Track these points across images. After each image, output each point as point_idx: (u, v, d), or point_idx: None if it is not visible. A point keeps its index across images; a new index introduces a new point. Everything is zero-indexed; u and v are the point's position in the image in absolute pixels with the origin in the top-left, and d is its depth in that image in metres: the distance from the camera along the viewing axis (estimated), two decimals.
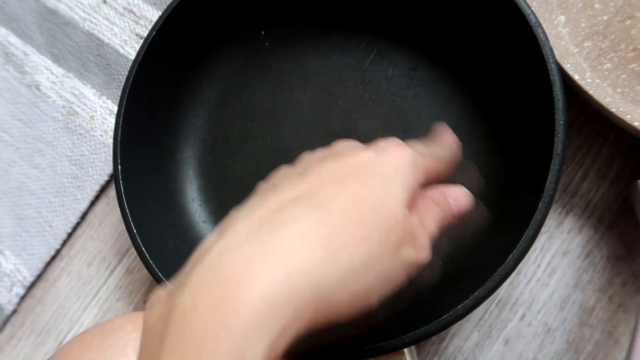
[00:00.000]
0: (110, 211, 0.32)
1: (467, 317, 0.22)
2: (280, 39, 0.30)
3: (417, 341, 0.21)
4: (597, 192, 0.25)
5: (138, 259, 0.30)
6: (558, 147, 0.21)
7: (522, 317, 0.25)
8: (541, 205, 0.20)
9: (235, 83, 0.31)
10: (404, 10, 0.28)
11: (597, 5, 0.27)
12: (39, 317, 0.31)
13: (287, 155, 0.28)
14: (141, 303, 0.30)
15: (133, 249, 0.30)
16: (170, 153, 0.30)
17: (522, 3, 0.23)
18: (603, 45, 0.26)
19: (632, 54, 0.26)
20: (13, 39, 0.36)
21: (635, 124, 0.23)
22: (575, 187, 0.25)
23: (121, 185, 0.26)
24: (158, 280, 0.24)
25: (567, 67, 0.24)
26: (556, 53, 0.23)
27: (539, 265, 0.25)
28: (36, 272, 0.31)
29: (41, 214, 0.32)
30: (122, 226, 0.30)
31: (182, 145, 0.30)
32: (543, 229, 0.25)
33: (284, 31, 0.30)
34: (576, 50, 0.26)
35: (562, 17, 0.27)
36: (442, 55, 0.27)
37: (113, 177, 0.27)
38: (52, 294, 0.31)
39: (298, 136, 0.29)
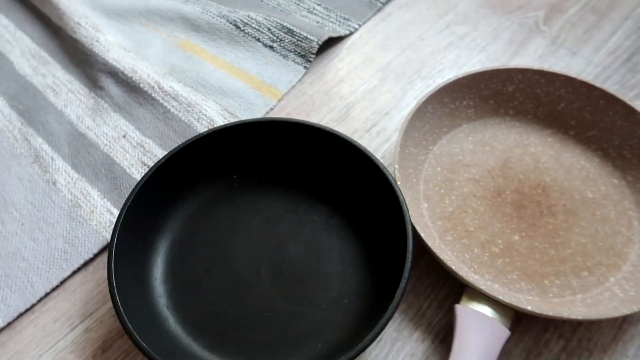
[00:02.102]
0: (85, 282, 0.40)
1: None
2: (245, 182, 0.44)
3: None
4: (437, 317, 0.37)
5: (97, 321, 0.38)
6: (404, 281, 0.34)
7: None
8: (387, 313, 0.32)
9: (208, 205, 0.43)
10: (325, 184, 0.43)
11: (447, 201, 0.43)
12: None
13: (233, 259, 0.40)
14: (90, 358, 0.37)
15: (95, 312, 0.39)
16: (148, 242, 0.40)
17: (401, 197, 0.37)
18: (448, 225, 0.41)
19: (464, 233, 0.41)
20: (46, 147, 0.49)
21: (461, 274, 0.36)
22: (423, 312, 0.38)
23: (113, 257, 0.36)
24: (124, 325, 0.33)
25: (423, 235, 0.38)
26: (418, 227, 0.38)
27: None
28: (8, 320, 0.38)
29: (27, 275, 0.40)
30: (91, 294, 0.40)
31: (158, 239, 0.41)
32: (399, 336, 0.36)
33: (249, 178, 0.44)
34: (432, 225, 0.41)
35: (425, 204, 0.43)
36: (349, 212, 0.42)
37: (107, 252, 0.36)
38: (15, 340, 0.37)
39: (244, 247, 0.41)
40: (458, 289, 0.38)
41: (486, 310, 0.34)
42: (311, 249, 0.41)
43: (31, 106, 0.52)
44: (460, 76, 0.46)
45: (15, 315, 0.38)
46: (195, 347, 0.36)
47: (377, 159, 0.40)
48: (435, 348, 0.36)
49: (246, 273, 0.40)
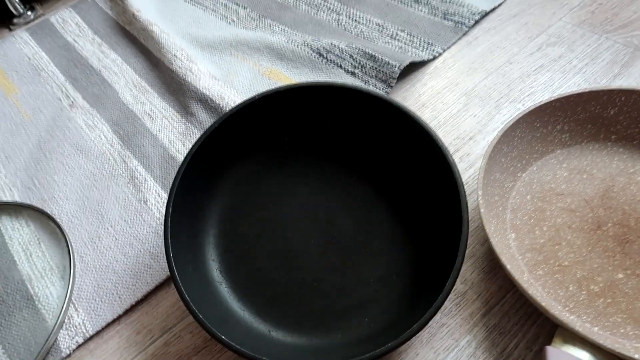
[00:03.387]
0: (167, 297, 0.42)
1: None
2: (296, 148, 0.44)
3: None
4: (524, 359, 0.34)
5: (176, 336, 0.39)
6: (451, 281, 0.32)
7: None
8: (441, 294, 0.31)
9: (260, 170, 0.43)
10: (377, 156, 0.42)
11: (537, 232, 0.39)
12: None
13: (284, 227, 0.40)
14: None
15: (174, 328, 0.40)
16: (202, 205, 0.41)
17: (457, 176, 0.35)
18: (539, 258, 0.38)
19: (557, 268, 0.37)
20: (140, 168, 0.52)
21: (553, 312, 0.33)
22: (509, 352, 0.34)
23: (169, 219, 0.36)
24: (180, 293, 0.33)
25: (509, 267, 0.35)
26: (504, 258, 0.35)
27: None
28: (97, 328, 0.40)
29: (116, 288, 0.43)
30: (171, 309, 0.41)
31: (211, 201, 0.41)
32: None
33: (299, 144, 0.44)
34: (520, 257, 0.38)
35: (513, 235, 0.39)
36: (400, 188, 0.41)
37: (164, 217, 0.36)
38: (102, 349, 0.40)
39: (293, 215, 0.41)
40: (550, 329, 0.34)
41: (583, 355, 0.30)
42: (360, 223, 0.40)
43: (130, 131, 0.57)
44: (553, 98, 0.43)
45: (104, 324, 0.41)
46: (247, 314, 0.36)
47: (434, 131, 0.37)
48: None
49: (296, 243, 0.40)
